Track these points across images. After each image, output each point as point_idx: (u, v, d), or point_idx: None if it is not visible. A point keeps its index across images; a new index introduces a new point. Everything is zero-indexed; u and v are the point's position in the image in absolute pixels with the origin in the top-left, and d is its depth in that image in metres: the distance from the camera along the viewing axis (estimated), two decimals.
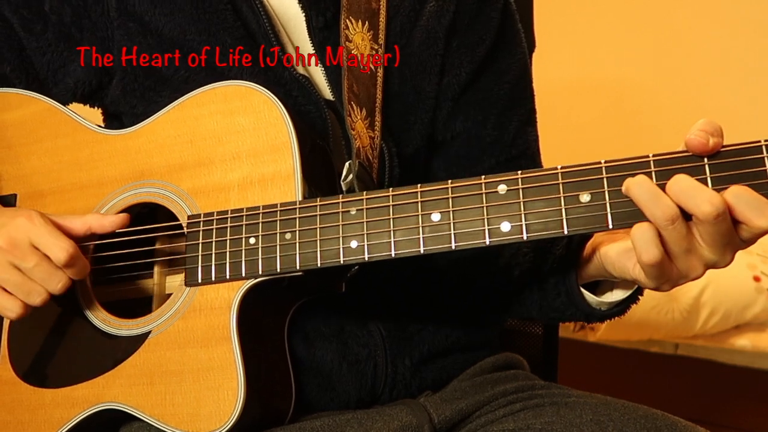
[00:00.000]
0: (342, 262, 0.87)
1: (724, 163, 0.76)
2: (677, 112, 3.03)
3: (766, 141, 0.76)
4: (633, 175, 0.78)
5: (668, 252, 0.80)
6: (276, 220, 0.90)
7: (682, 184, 0.76)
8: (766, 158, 0.75)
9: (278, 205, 0.90)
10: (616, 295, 0.99)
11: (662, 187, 0.77)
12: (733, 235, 0.78)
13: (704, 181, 0.77)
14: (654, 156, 0.79)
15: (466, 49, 1.10)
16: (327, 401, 0.99)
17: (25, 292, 0.92)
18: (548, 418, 0.93)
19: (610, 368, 2.47)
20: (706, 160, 0.77)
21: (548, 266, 1.03)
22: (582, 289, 0.99)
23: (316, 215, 0.88)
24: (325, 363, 0.98)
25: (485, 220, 0.83)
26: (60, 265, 0.92)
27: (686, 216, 0.77)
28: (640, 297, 1.00)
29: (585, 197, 0.80)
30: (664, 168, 0.78)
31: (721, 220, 0.75)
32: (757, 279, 2.36)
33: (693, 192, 0.76)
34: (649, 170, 0.78)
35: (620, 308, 1.01)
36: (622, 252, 0.89)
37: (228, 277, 0.91)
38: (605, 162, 0.80)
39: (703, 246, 0.79)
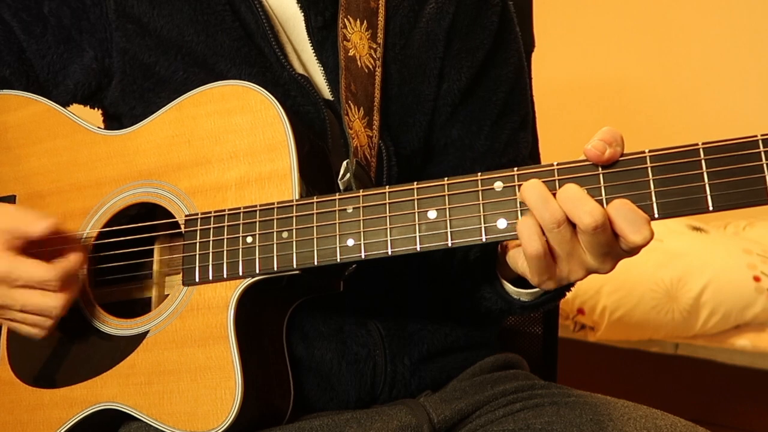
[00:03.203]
0: (339, 260, 0.87)
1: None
2: (677, 112, 3.04)
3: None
4: (630, 172, 0.79)
5: (552, 253, 0.83)
6: (273, 219, 0.90)
7: (568, 192, 0.79)
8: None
9: (275, 204, 0.90)
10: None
11: None
12: (613, 246, 0.80)
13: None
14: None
15: (467, 53, 1.10)
16: (326, 401, 0.99)
17: (32, 324, 0.93)
18: (548, 417, 0.93)
19: (610, 368, 2.47)
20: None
21: (473, 256, 1.05)
22: (503, 280, 1.00)
23: (312, 213, 0.89)
24: (325, 362, 0.98)
25: (481, 217, 0.83)
26: (57, 291, 0.91)
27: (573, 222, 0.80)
28: (567, 292, 1.01)
29: None
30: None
31: (600, 231, 0.78)
32: (757, 279, 2.35)
33: (577, 202, 0.78)
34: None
35: (543, 299, 0.99)
36: (518, 247, 0.90)
37: (225, 276, 0.91)
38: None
39: (584, 252, 0.81)
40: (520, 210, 0.82)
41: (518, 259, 0.89)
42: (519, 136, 1.16)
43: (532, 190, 0.80)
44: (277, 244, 0.89)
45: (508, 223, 0.82)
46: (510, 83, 1.14)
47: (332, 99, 1.04)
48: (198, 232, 0.93)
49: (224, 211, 0.93)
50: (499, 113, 1.13)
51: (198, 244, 0.93)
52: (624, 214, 0.77)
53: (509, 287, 1.00)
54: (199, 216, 0.94)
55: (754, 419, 2.39)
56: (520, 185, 0.82)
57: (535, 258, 0.82)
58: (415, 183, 0.86)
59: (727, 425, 2.32)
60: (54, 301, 0.91)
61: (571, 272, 0.84)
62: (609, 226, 0.78)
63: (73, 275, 0.93)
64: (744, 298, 2.32)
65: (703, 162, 0.77)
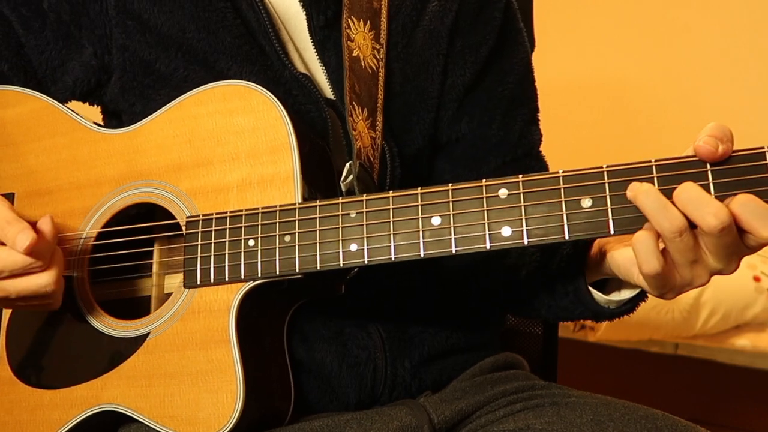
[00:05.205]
0: (342, 265, 0.86)
1: (728, 170, 0.75)
2: (678, 113, 3.03)
3: None
4: (636, 180, 0.77)
5: (673, 261, 0.80)
6: (275, 222, 0.89)
7: (690, 193, 0.75)
8: None
9: (277, 207, 0.90)
10: (624, 294, 0.98)
11: (665, 194, 0.76)
12: (738, 245, 0.77)
13: (707, 188, 0.76)
14: (656, 161, 0.78)
15: (470, 49, 1.10)
16: (326, 403, 0.99)
17: (39, 304, 0.93)
18: (548, 418, 0.93)
19: (610, 368, 2.47)
20: (708, 166, 0.76)
21: (555, 265, 1.02)
22: (591, 288, 0.98)
23: (315, 218, 0.88)
24: (325, 365, 0.98)
25: (486, 224, 0.82)
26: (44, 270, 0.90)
27: (691, 224, 0.77)
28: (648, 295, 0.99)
29: (586, 202, 0.79)
30: (667, 174, 0.77)
31: (726, 232, 0.75)
32: (757, 279, 2.35)
33: (699, 203, 0.75)
34: (651, 176, 0.77)
35: (628, 306, 0.99)
36: (627, 259, 0.88)
37: (227, 279, 0.90)
38: (607, 167, 0.79)
39: (708, 255, 0.79)
40: (526, 218, 0.81)
41: (633, 273, 0.87)
42: (531, 129, 1.15)
43: (647, 196, 0.76)
44: (279, 247, 0.89)
45: (512, 231, 0.81)
46: (518, 75, 1.14)
47: (334, 98, 1.04)
48: (199, 234, 0.93)
49: (226, 213, 0.92)
50: (509, 105, 1.12)
51: (199, 246, 0.92)
52: (752, 209, 0.74)
53: (599, 297, 0.98)
54: (201, 218, 0.93)
55: (754, 419, 2.39)
56: (524, 192, 0.81)
57: (653, 277, 0.80)
58: (419, 189, 0.85)
59: (727, 425, 2.32)
60: (46, 279, 0.90)
61: (695, 278, 0.81)
62: (734, 225, 0.75)
63: (52, 249, 0.92)
64: (744, 298, 2.32)
65: (709, 173, 0.75)
